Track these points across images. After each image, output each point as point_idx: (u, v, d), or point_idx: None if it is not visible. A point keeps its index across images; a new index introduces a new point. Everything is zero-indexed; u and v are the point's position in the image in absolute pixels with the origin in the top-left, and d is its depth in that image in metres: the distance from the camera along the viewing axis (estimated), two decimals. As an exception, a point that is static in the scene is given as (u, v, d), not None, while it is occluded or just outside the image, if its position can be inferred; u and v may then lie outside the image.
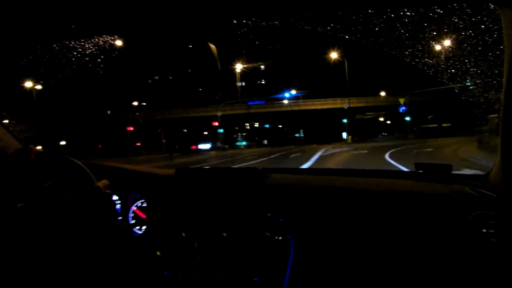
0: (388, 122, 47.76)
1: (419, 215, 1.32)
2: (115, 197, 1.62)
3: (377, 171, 1.78)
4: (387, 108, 41.50)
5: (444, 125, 38.93)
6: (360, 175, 1.76)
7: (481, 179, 1.47)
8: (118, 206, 1.61)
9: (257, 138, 45.75)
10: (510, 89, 1.14)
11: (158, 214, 1.55)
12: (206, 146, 37.72)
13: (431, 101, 35.84)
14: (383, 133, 44.35)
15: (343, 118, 38.93)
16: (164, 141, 37.65)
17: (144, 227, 1.58)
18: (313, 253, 1.38)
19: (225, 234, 1.41)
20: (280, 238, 1.39)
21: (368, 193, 1.42)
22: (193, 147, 36.46)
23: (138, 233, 1.58)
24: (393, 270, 1.30)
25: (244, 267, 1.36)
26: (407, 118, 29.88)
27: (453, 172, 1.50)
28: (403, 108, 26.85)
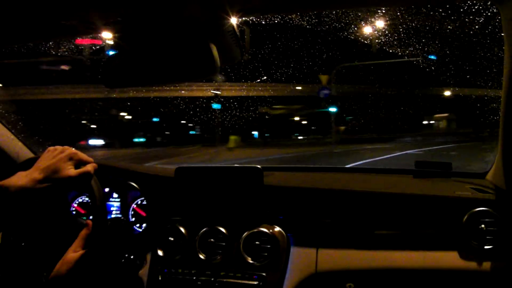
0: (305, 122, 35.26)
1: (420, 213, 1.32)
2: (115, 195, 1.63)
3: (378, 169, 1.79)
4: (306, 100, 28.98)
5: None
6: (361, 172, 1.77)
7: (480, 177, 1.47)
8: (118, 204, 1.62)
9: (149, 135, 33.00)
10: (510, 87, 1.14)
11: (158, 212, 1.56)
12: (98, 142, 28.76)
13: (358, 95, 26.17)
14: (296, 134, 32.94)
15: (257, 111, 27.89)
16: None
17: (144, 225, 1.58)
18: (313, 251, 1.38)
19: (225, 232, 1.41)
20: (279, 236, 1.39)
21: (368, 192, 1.43)
22: (82, 142, 27.24)
23: (138, 231, 1.58)
24: (393, 265, 1.31)
25: (244, 265, 1.36)
26: (332, 109, 17.98)
27: (452, 170, 1.51)
28: (325, 91, 16.27)
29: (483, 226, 1.23)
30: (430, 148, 15.84)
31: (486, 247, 1.22)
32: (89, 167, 1.02)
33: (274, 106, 31.15)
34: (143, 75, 0.93)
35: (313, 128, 33.38)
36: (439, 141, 20.27)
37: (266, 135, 31.30)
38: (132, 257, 1.46)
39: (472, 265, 1.23)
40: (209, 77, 0.88)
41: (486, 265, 1.22)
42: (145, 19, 0.90)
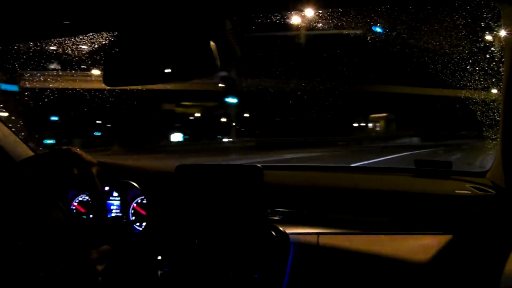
0: (223, 119, 26.97)
1: (419, 212, 1.33)
2: (115, 194, 1.63)
3: (378, 168, 1.79)
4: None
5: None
6: (361, 171, 1.77)
7: (480, 176, 1.47)
8: (118, 203, 1.62)
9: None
10: (510, 88, 1.14)
11: (158, 210, 1.56)
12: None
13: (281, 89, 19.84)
14: (219, 136, 25.92)
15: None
16: None
17: (144, 224, 1.59)
18: (313, 250, 1.38)
19: (225, 231, 1.41)
20: (279, 235, 1.39)
21: (369, 190, 1.43)
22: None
23: (138, 230, 1.59)
24: (393, 267, 1.31)
25: (244, 264, 1.36)
26: (231, 100, 14.58)
27: (453, 169, 1.51)
28: (222, 73, 12.25)
29: (483, 224, 1.23)
30: (378, 159, 11.65)
31: (486, 245, 1.22)
32: (93, 169, 1.01)
33: (183, 103, 24.29)
34: (143, 74, 0.93)
35: (242, 130, 26.12)
36: (381, 145, 16.99)
37: (185, 137, 25.27)
38: (132, 255, 1.47)
39: (472, 263, 1.23)
40: (209, 76, 0.89)
41: (486, 263, 1.22)
42: (145, 18, 0.90)
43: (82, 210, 1.65)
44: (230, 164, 1.49)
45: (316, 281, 1.34)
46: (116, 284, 1.45)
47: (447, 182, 1.46)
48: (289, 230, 1.41)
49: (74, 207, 1.65)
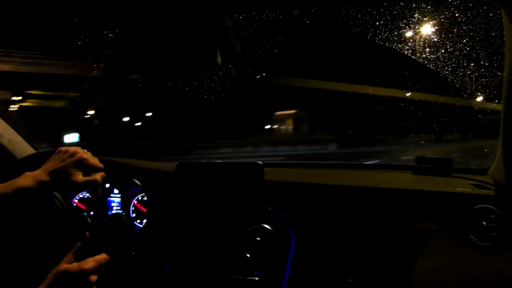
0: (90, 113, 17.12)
1: (420, 209, 1.33)
2: (115, 191, 1.63)
3: (378, 165, 1.79)
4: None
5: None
6: (360, 168, 1.77)
7: (481, 174, 1.47)
8: (118, 200, 1.63)
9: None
10: (510, 86, 1.14)
11: (159, 208, 1.56)
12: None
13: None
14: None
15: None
16: None
17: (144, 221, 1.59)
18: (313, 247, 1.38)
19: (225, 228, 1.42)
20: (280, 232, 1.39)
21: (369, 188, 1.43)
22: None
23: (139, 227, 1.59)
24: (392, 263, 1.31)
25: (245, 261, 1.37)
26: None
27: (454, 166, 1.50)
28: None
29: (484, 222, 1.23)
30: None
31: (487, 243, 1.23)
32: (98, 176, 0.97)
33: (28, 92, 18.48)
34: (143, 71, 0.93)
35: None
36: (284, 154, 11.50)
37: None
38: (133, 253, 1.47)
39: (472, 261, 1.23)
40: (210, 74, 0.88)
41: (486, 261, 1.22)
42: (145, 16, 0.90)
43: (83, 207, 1.65)
44: (231, 162, 1.49)
45: (317, 278, 1.35)
46: (116, 280, 1.46)
47: (448, 179, 1.46)
48: (289, 228, 1.42)
49: (74, 204, 1.66)
